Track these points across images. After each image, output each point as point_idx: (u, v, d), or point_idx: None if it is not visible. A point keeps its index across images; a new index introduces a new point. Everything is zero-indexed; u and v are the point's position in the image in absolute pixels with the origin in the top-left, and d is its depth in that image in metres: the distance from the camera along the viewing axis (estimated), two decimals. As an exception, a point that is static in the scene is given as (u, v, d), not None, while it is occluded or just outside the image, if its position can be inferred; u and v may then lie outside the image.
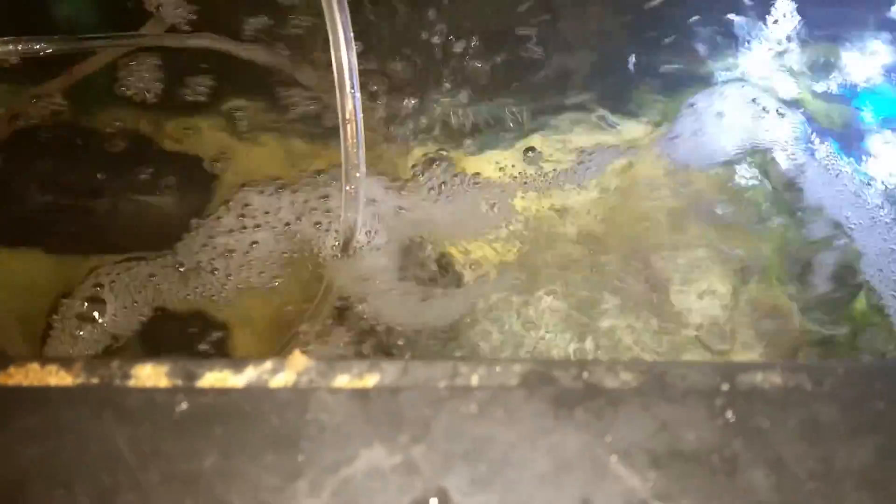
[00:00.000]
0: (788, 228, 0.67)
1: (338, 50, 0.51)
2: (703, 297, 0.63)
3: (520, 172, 0.70)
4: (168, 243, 0.64)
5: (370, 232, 0.64)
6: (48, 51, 0.68)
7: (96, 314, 0.61)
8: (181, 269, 0.63)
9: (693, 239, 0.66)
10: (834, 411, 0.29)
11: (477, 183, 0.68)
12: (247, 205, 0.65)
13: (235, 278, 0.62)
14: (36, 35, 0.68)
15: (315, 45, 0.71)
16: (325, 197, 0.66)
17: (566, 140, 0.72)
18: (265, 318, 0.62)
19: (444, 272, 0.64)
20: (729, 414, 0.29)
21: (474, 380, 0.30)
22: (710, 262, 0.65)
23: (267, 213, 0.65)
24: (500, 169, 0.69)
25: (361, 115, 0.53)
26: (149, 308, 0.61)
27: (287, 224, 0.65)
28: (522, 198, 0.68)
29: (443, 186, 0.68)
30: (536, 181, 0.69)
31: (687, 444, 0.28)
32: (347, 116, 0.52)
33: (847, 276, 0.65)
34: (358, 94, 0.52)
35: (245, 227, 0.64)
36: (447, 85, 0.73)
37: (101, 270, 0.62)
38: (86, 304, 0.61)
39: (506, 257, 0.65)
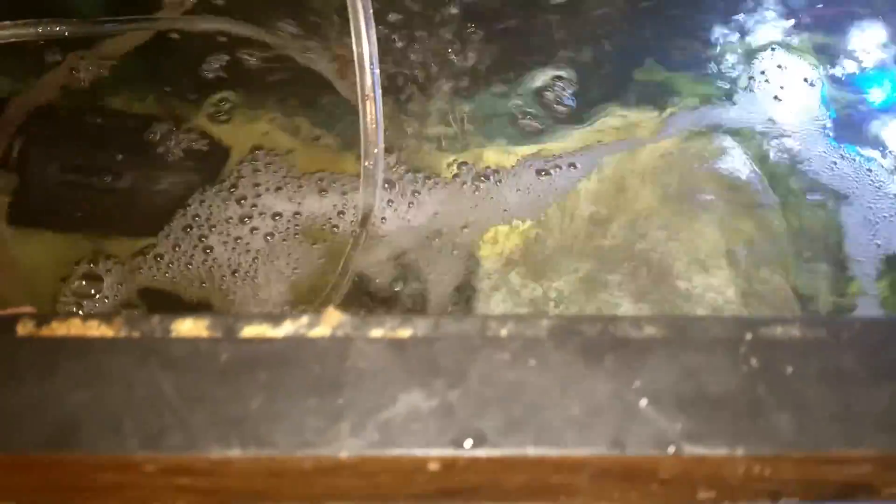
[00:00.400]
0: (793, 211, 0.68)
1: (357, 27, 0.52)
2: (707, 279, 0.64)
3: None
4: (162, 225, 0.65)
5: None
6: (66, 34, 0.69)
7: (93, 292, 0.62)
8: (182, 250, 0.64)
9: (694, 221, 0.67)
10: (853, 359, 0.30)
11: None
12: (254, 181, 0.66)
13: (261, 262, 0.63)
14: (54, 18, 0.69)
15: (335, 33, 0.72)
16: (336, 180, 0.67)
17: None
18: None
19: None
20: (753, 361, 0.30)
21: (503, 333, 0.31)
22: (714, 246, 0.66)
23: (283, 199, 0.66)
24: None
25: (380, 91, 0.54)
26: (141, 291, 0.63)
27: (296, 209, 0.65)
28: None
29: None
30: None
31: (713, 389, 0.29)
32: (367, 93, 0.53)
33: (852, 257, 0.66)
34: (377, 71, 0.53)
35: (257, 209, 0.65)
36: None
37: (105, 252, 0.64)
38: (83, 282, 0.62)
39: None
